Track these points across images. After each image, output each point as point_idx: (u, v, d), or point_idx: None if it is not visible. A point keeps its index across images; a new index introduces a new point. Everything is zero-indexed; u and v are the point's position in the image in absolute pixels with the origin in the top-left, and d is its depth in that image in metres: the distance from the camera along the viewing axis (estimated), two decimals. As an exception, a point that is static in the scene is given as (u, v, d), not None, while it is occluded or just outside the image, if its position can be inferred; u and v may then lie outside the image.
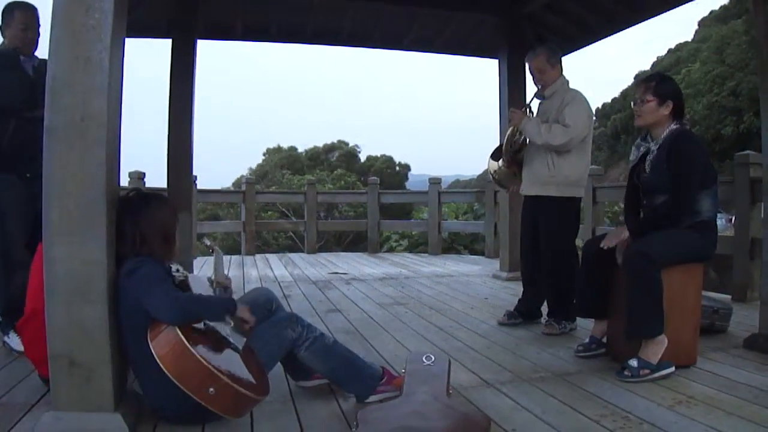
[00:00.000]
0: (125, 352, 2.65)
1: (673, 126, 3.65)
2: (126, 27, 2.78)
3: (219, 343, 2.58)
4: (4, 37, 4.06)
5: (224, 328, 2.72)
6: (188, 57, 6.97)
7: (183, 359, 2.32)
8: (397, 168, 40.66)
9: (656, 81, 3.74)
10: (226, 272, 3.23)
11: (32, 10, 4.04)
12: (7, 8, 4.03)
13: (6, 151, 3.84)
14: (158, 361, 2.32)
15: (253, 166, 38.40)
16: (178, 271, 2.77)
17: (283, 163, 36.96)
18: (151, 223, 2.72)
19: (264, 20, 7.96)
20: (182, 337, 2.32)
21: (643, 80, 3.88)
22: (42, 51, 3.84)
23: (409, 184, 41.52)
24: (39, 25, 4.04)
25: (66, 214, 2.48)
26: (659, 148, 3.66)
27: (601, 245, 3.69)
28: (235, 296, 3.01)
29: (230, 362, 2.52)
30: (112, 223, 2.59)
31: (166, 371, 2.31)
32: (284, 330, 2.91)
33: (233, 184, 35.33)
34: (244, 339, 2.82)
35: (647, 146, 3.79)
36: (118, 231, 2.64)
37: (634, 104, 3.78)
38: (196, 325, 2.55)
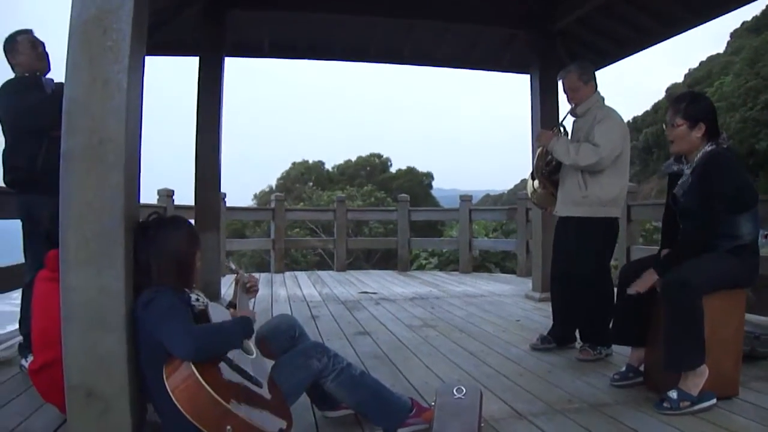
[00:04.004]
0: (144, 383, 2.56)
1: (707, 147, 3.47)
2: (146, 47, 2.70)
3: (238, 378, 2.47)
4: (15, 67, 4.11)
5: (245, 357, 2.63)
6: (216, 74, 6.95)
7: (198, 397, 2.21)
8: (423, 178, 40.23)
9: (686, 102, 3.56)
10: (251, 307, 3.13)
11: (31, 32, 4.14)
12: (8, 39, 4.13)
13: (42, 172, 3.79)
14: (173, 398, 2.22)
15: (274, 182, 38.32)
16: (198, 300, 2.67)
17: (307, 177, 36.94)
18: (167, 251, 2.61)
19: (291, 37, 7.98)
20: (197, 374, 2.21)
21: (673, 101, 3.70)
22: (58, 74, 3.95)
23: (441, 200, 41.24)
24: (45, 46, 4.12)
25: (83, 242, 2.41)
26: (692, 172, 3.50)
27: (629, 291, 3.54)
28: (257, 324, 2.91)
29: (249, 398, 2.41)
30: (131, 250, 2.52)
31: (181, 409, 2.20)
32: (309, 360, 2.81)
33: (255, 197, 35.33)
34: (267, 368, 2.72)
35: (681, 168, 3.63)
36: (135, 259, 2.56)
37: (666, 127, 3.62)
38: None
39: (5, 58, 4.17)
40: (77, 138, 2.42)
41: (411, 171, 40.28)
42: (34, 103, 3.87)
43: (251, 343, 2.77)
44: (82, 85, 2.43)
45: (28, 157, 3.84)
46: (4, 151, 4.00)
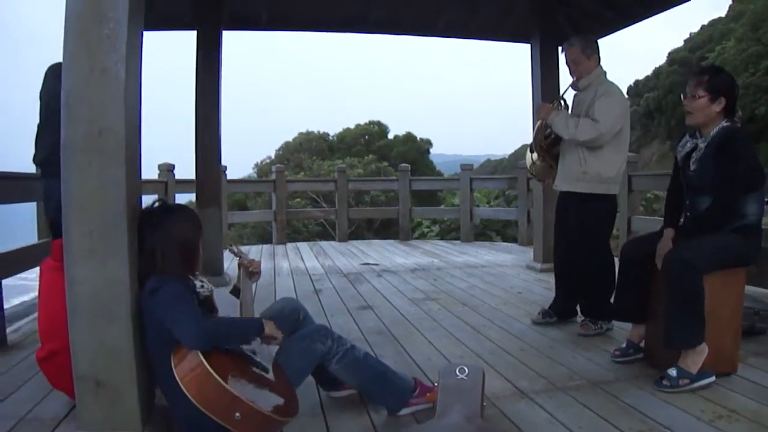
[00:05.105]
0: (152, 371, 2.60)
1: (724, 123, 3.44)
2: (143, 35, 2.69)
3: (244, 364, 2.50)
4: None
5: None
6: (214, 48, 6.88)
7: (206, 385, 2.24)
8: (421, 144, 39.57)
9: (709, 74, 3.50)
10: (253, 294, 3.13)
11: None
12: None
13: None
14: (181, 386, 2.25)
15: (273, 153, 37.96)
16: (203, 286, 2.69)
17: (306, 147, 36.55)
18: (171, 238, 2.63)
19: (289, 9, 7.86)
20: (205, 362, 2.24)
21: (695, 73, 3.64)
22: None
23: (443, 165, 40.79)
24: None
25: (87, 233, 2.42)
26: (707, 145, 3.46)
27: (658, 265, 3.48)
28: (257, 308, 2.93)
29: (256, 383, 2.44)
30: (134, 240, 2.53)
31: (189, 397, 2.23)
32: (313, 344, 2.85)
33: (256, 167, 35.11)
34: (272, 352, 2.75)
35: (695, 142, 3.60)
36: (140, 246, 2.57)
37: (684, 98, 3.57)
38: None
39: None
40: (77, 129, 2.42)
41: (409, 137, 39.78)
42: None
43: None
44: (80, 75, 2.42)
45: (52, 141, 3.87)
46: (38, 126, 4.03)
